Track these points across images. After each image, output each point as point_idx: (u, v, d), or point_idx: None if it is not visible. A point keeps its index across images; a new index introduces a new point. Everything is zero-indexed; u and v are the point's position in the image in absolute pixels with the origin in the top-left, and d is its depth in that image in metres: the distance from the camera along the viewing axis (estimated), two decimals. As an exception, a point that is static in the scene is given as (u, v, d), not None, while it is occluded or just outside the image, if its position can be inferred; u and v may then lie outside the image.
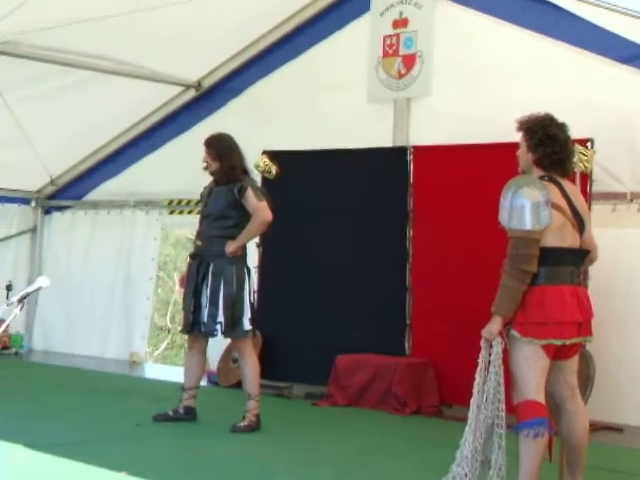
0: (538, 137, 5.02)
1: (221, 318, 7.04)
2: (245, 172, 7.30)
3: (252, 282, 7.38)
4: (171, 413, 7.29)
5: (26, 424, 6.88)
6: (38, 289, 4.65)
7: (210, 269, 7.11)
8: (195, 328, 7.19)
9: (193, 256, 7.35)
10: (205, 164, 7.33)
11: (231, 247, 7.05)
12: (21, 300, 4.53)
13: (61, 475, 5.34)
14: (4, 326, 4.55)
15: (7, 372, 9.84)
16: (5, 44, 9.39)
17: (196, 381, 7.39)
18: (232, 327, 7.05)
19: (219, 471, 5.73)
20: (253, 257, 9.93)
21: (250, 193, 7.10)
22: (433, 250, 8.71)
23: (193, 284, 7.16)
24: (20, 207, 12.68)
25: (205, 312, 7.09)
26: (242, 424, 7.02)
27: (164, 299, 23.41)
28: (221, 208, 7.20)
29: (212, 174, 7.34)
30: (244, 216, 7.15)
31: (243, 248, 7.22)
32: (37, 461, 5.70)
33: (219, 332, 7.10)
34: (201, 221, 7.35)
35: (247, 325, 7.12)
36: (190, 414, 7.29)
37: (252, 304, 7.22)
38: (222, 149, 7.29)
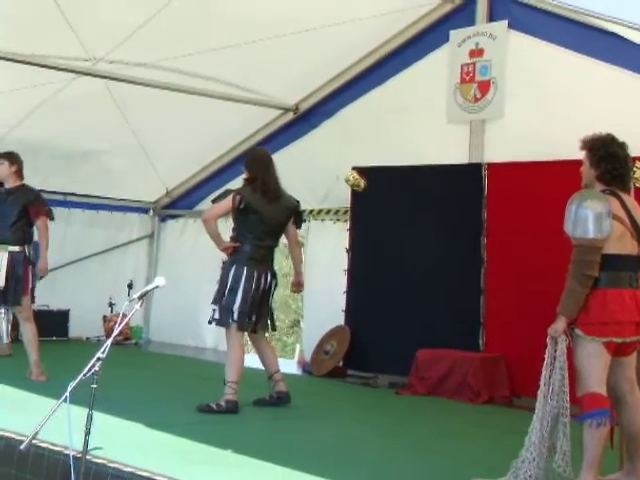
0: (600, 154, 4.98)
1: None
2: (254, 181, 7.19)
3: (233, 280, 7.07)
4: (267, 398, 7.34)
5: (146, 406, 6.99)
6: (156, 287, 4.75)
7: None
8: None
9: None
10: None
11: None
12: (141, 297, 4.63)
13: (176, 452, 5.38)
14: (127, 320, 4.64)
15: (129, 360, 10.00)
16: (128, 66, 9.56)
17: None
18: (217, 318, 7.12)
19: (311, 451, 5.75)
20: (341, 260, 10.01)
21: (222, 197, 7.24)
22: (505, 256, 8.64)
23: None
24: (140, 216, 12.90)
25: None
26: (207, 404, 6.88)
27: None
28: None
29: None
30: (237, 219, 7.21)
31: (237, 248, 7.11)
32: (155, 439, 5.78)
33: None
34: None
35: (232, 317, 7.01)
36: (281, 398, 7.28)
37: (221, 298, 7.08)
38: (248, 161, 7.41)
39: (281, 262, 25.91)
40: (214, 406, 6.86)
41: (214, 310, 7.13)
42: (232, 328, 7.07)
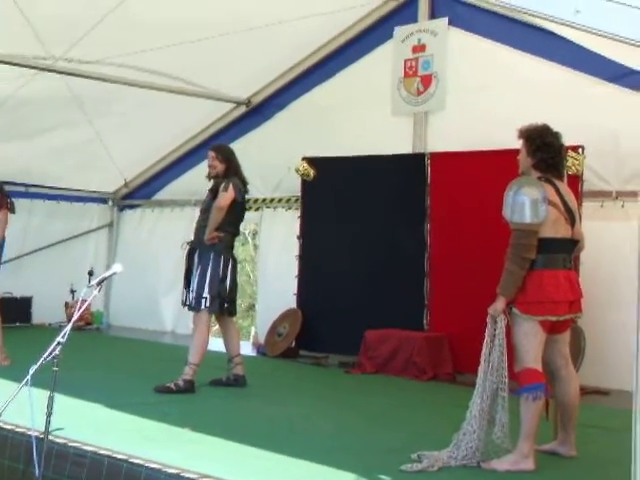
0: (537, 144, 5.02)
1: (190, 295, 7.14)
2: (236, 173, 7.27)
3: (223, 269, 7.10)
4: (224, 379, 7.32)
5: (106, 387, 6.91)
6: (113, 274, 4.70)
7: (196, 255, 7.20)
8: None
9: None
10: (212, 168, 7.30)
11: (205, 235, 7.07)
12: (99, 283, 4.57)
13: (135, 431, 5.34)
14: (85, 305, 4.59)
15: (90, 344, 9.91)
16: (87, 64, 9.44)
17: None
18: (192, 304, 7.10)
19: (265, 427, 5.73)
20: (293, 247, 10.00)
21: (224, 187, 7.11)
22: (447, 241, 8.69)
23: (185, 268, 7.28)
24: (99, 206, 12.78)
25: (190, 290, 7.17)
26: (166, 384, 6.83)
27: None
28: (207, 202, 7.26)
29: (215, 176, 7.29)
30: (227, 210, 7.09)
31: (221, 238, 7.08)
32: (115, 419, 5.73)
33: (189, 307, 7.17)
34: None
35: (204, 303, 7.00)
36: (237, 381, 7.28)
37: (215, 287, 7.04)
38: (227, 154, 7.36)
39: (237, 248, 25.98)
40: (172, 386, 6.82)
41: (205, 298, 7.01)
42: (204, 312, 7.06)
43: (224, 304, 7.15)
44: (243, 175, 7.37)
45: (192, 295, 7.10)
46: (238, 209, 7.24)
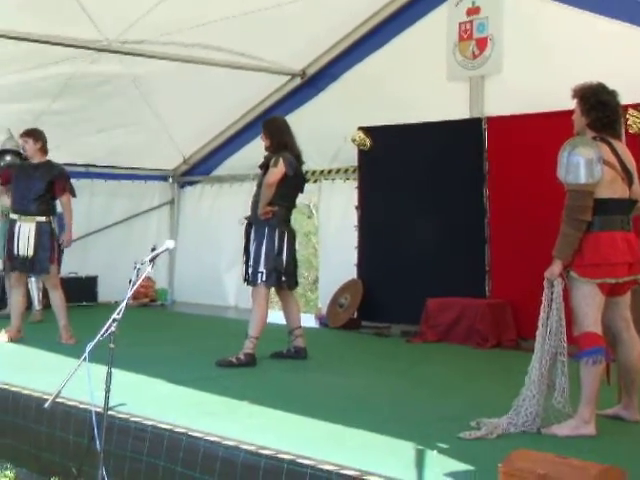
0: (591, 103, 4.92)
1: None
2: (286, 147, 7.19)
3: (279, 242, 7.13)
4: (285, 352, 7.36)
5: (168, 363, 7.01)
6: (166, 250, 4.76)
7: (252, 230, 7.23)
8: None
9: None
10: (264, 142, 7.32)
11: (258, 211, 7.09)
12: (152, 260, 4.63)
13: (194, 405, 5.40)
14: (139, 281, 4.65)
15: (154, 320, 10.06)
16: (142, 44, 9.52)
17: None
18: (249, 278, 7.14)
19: (323, 398, 5.75)
20: (352, 217, 9.98)
21: (274, 162, 7.06)
22: (507, 206, 8.57)
23: (244, 244, 7.30)
24: (160, 183, 12.89)
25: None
26: (228, 358, 6.90)
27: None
28: (260, 177, 7.28)
29: (266, 149, 7.31)
30: (279, 184, 7.07)
31: (275, 212, 7.08)
32: (174, 393, 5.80)
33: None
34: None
35: (260, 278, 7.03)
36: (299, 353, 7.31)
37: (271, 261, 7.05)
38: (272, 129, 7.30)
39: (302, 221, 25.96)
40: (234, 360, 6.88)
41: (261, 273, 7.04)
42: (261, 286, 7.08)
43: (281, 277, 7.15)
44: (297, 148, 7.33)
45: (250, 270, 7.13)
46: (292, 183, 7.21)
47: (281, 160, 7.07)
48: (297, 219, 25.33)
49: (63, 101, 10.24)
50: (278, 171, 7.05)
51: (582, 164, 4.72)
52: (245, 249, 7.30)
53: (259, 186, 7.29)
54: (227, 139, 12.12)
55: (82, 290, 11.26)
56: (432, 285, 8.94)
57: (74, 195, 8.32)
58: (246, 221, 7.40)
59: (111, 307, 11.34)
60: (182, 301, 12.42)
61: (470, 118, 9.09)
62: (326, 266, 11.13)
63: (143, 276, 4.65)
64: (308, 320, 12.05)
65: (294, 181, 7.26)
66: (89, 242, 11.77)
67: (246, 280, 7.27)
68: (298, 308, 7.62)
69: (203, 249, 11.81)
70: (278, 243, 7.11)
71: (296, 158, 7.26)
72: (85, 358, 4.37)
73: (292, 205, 7.37)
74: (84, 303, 11.14)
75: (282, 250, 7.12)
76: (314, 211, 24.62)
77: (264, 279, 7.06)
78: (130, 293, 4.49)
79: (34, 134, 8.13)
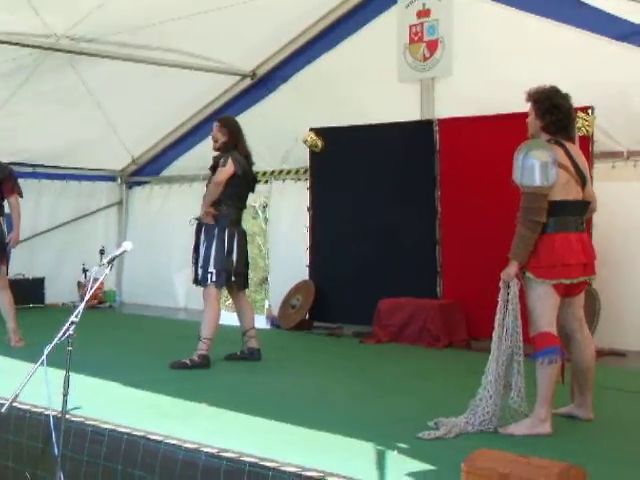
0: (545, 106, 4.99)
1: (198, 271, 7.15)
2: (235, 147, 7.20)
3: (228, 242, 7.12)
4: (238, 353, 7.34)
5: (120, 365, 6.97)
6: (124, 252, 4.71)
7: (202, 230, 7.21)
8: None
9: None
10: (214, 140, 7.28)
11: (201, 209, 7.15)
12: (110, 262, 4.59)
13: (152, 407, 5.38)
14: (97, 284, 4.60)
15: (103, 322, 9.95)
16: (90, 42, 9.42)
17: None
18: (200, 279, 7.11)
19: (279, 400, 5.76)
20: (303, 218, 9.99)
21: (223, 162, 7.08)
22: (458, 207, 8.67)
23: (194, 243, 7.27)
24: (108, 184, 12.77)
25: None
26: (181, 360, 6.87)
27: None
28: (209, 179, 7.27)
29: (217, 149, 7.28)
30: (228, 184, 7.09)
31: (215, 214, 7.09)
32: (131, 396, 5.77)
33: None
34: None
35: (210, 278, 7.02)
36: (252, 354, 7.29)
37: (220, 261, 7.04)
38: (231, 127, 7.30)
39: (247, 222, 25.93)
40: (187, 361, 6.85)
41: (211, 273, 7.02)
42: (211, 287, 7.05)
43: (231, 277, 7.13)
44: (247, 149, 7.33)
45: (200, 271, 7.11)
46: (241, 183, 7.20)
47: (230, 160, 7.07)
48: (244, 220, 25.48)
49: (9, 99, 10.09)
50: (226, 170, 7.05)
51: (537, 167, 4.79)
52: (195, 249, 7.26)
53: (207, 187, 7.29)
54: (176, 139, 12.06)
55: (29, 292, 11.11)
56: (384, 286, 8.99)
57: (21, 195, 8.21)
58: (196, 221, 7.35)
59: (59, 309, 11.33)
60: (131, 302, 12.33)
61: (422, 120, 9.17)
62: (276, 267, 11.13)
63: (101, 279, 4.60)
64: (258, 321, 12.04)
65: (244, 181, 7.25)
66: (36, 243, 11.61)
67: (196, 281, 7.24)
68: (251, 309, 7.62)
69: (152, 250, 11.72)
70: (228, 243, 7.09)
71: (245, 158, 7.26)
72: (43, 362, 4.30)
73: (242, 205, 7.36)
74: (31, 305, 10.99)
75: (232, 250, 7.11)
76: (259, 212, 24.66)
77: (214, 279, 7.03)
78: (88, 296, 4.43)
79: None
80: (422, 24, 9.31)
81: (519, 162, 4.86)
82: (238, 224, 7.29)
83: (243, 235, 7.30)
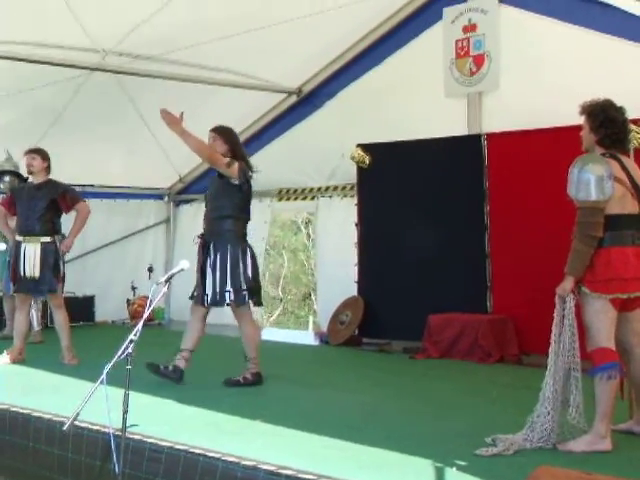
0: (600, 120, 4.96)
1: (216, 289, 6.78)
2: (243, 158, 6.93)
3: (242, 258, 6.77)
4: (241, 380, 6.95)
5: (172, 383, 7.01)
6: (181, 270, 4.76)
7: (211, 247, 6.83)
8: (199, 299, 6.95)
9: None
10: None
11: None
12: (168, 280, 4.65)
13: (209, 424, 5.40)
14: (155, 302, 4.65)
15: (154, 340, 10.01)
16: (137, 61, 9.55)
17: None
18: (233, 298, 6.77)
19: (333, 416, 5.76)
20: (351, 234, 10.00)
21: (229, 161, 6.76)
22: (508, 222, 8.63)
23: (200, 261, 6.87)
24: (156, 202, 12.92)
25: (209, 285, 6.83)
26: (235, 378, 6.80)
27: (275, 273, 23.54)
28: (213, 189, 6.97)
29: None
30: (229, 194, 6.78)
31: (237, 227, 6.79)
32: (188, 413, 5.79)
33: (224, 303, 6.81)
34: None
35: (247, 296, 6.78)
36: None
37: (246, 277, 6.76)
38: (229, 136, 7.01)
39: (290, 238, 25.99)
40: (241, 379, 6.86)
41: (229, 292, 6.73)
42: (247, 306, 6.88)
43: (248, 295, 6.83)
44: (249, 161, 7.03)
45: (216, 290, 6.78)
46: (247, 195, 6.89)
47: (236, 165, 6.75)
48: (286, 236, 25.55)
49: (60, 121, 10.25)
50: (224, 162, 6.72)
51: (592, 181, 4.77)
52: (202, 268, 6.86)
53: (211, 200, 6.97)
54: (222, 157, 12.15)
55: (79, 310, 11.23)
56: (433, 301, 8.98)
57: (84, 201, 8.31)
58: (199, 239, 6.99)
59: (108, 326, 11.44)
60: (179, 320, 12.39)
61: (470, 134, 9.16)
62: (324, 283, 11.16)
63: (159, 297, 4.65)
64: (305, 337, 12.11)
65: (248, 193, 6.93)
66: (86, 262, 11.76)
67: (212, 301, 6.87)
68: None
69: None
70: (242, 259, 6.77)
71: (250, 169, 6.96)
72: (103, 380, 4.36)
73: (249, 218, 6.99)
74: (81, 323, 11.12)
75: (247, 266, 6.79)
76: (302, 227, 24.73)
77: (232, 298, 6.75)
78: (147, 314, 4.48)
79: (42, 152, 8.16)
80: (468, 39, 9.32)
81: (574, 176, 4.83)
82: (244, 238, 6.92)
83: (252, 249, 6.95)
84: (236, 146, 7.00)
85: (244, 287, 6.78)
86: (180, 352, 7.05)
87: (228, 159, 6.79)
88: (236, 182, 6.80)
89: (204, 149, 6.83)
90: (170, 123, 6.76)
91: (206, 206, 7.09)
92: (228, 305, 6.92)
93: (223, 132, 7.03)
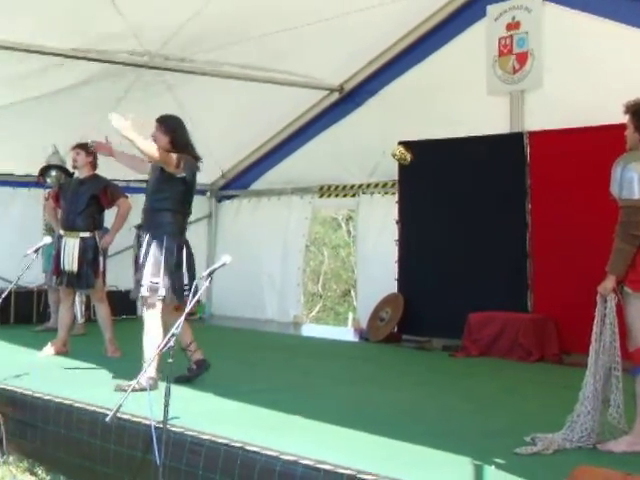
0: (644, 118, 4.90)
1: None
2: (187, 147, 6.49)
3: (177, 254, 6.40)
4: (188, 373, 6.71)
5: (214, 376, 6.93)
6: (223, 265, 4.78)
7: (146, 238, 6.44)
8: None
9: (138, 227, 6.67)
10: (153, 138, 6.39)
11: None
12: (210, 275, 4.68)
13: (249, 419, 5.43)
14: (197, 296, 4.69)
15: (195, 334, 10.08)
16: (182, 60, 9.63)
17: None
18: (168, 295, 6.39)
19: (372, 412, 5.76)
20: (391, 231, 10.00)
21: (177, 157, 6.33)
22: (549, 221, 8.58)
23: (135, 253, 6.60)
24: (198, 197, 12.72)
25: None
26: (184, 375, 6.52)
27: (315, 270, 23.59)
28: (153, 182, 6.53)
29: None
30: (171, 186, 6.40)
31: (176, 221, 6.44)
32: (227, 407, 5.82)
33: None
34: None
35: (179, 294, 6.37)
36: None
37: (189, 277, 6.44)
38: (173, 124, 6.53)
39: (330, 234, 25.99)
40: (187, 374, 6.56)
41: (163, 287, 6.33)
42: (159, 305, 6.42)
43: (183, 292, 6.41)
44: (196, 152, 6.58)
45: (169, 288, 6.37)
46: (189, 187, 6.54)
47: (182, 163, 6.32)
48: (326, 232, 25.54)
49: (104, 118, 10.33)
50: (174, 164, 6.29)
51: (636, 180, 4.72)
52: (137, 260, 6.60)
53: (151, 193, 6.56)
54: (265, 154, 12.23)
55: (122, 304, 11.30)
56: (473, 299, 8.94)
57: (125, 196, 8.39)
58: (136, 229, 6.74)
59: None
60: (220, 314, 12.49)
61: (512, 133, 9.11)
62: (364, 280, 11.17)
63: (201, 291, 4.69)
64: (344, 333, 12.11)
65: (192, 187, 6.60)
66: (128, 256, 11.84)
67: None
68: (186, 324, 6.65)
69: (241, 262, 11.85)
70: (177, 254, 6.39)
71: (196, 160, 6.56)
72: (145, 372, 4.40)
73: (189, 212, 6.67)
74: (124, 316, 11.22)
75: (181, 262, 6.42)
76: (343, 224, 24.74)
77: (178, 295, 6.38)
78: (189, 308, 4.52)
79: (87, 147, 8.22)
80: (511, 36, 9.27)
81: (617, 175, 4.79)
82: (183, 233, 6.56)
83: (189, 246, 6.57)
84: (178, 136, 6.48)
85: (160, 283, 6.35)
86: (187, 350, 6.72)
87: (175, 157, 6.33)
88: (182, 174, 6.42)
89: (154, 153, 6.25)
90: (121, 128, 6.21)
91: (146, 196, 6.65)
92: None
93: (164, 121, 6.53)
